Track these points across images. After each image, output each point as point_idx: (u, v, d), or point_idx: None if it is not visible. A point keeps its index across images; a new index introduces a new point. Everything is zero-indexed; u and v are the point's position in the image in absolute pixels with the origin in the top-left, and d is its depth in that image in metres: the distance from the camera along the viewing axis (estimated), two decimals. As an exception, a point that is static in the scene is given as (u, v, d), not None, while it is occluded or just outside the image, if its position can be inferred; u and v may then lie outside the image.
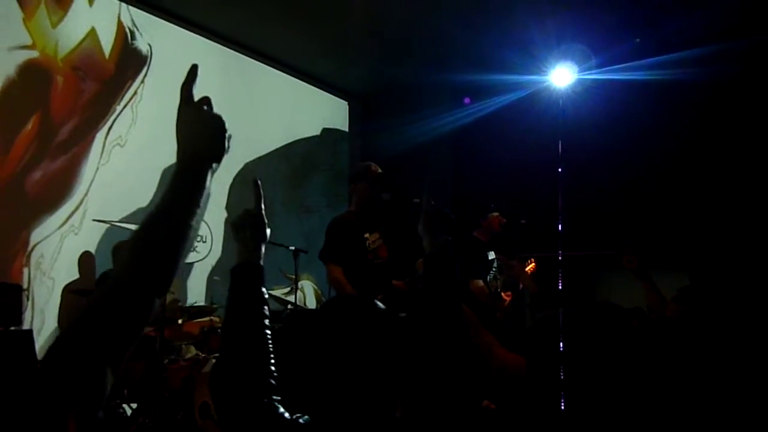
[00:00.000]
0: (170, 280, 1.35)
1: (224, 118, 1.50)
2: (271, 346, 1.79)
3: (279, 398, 1.70)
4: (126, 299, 1.27)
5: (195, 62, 1.52)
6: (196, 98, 1.56)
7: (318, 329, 1.83)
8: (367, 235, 5.02)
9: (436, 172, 9.85)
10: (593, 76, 8.08)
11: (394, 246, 5.16)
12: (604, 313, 3.45)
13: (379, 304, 1.90)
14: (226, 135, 1.49)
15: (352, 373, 1.74)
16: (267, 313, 1.85)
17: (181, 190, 1.41)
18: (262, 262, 1.95)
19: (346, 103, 11.08)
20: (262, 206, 2.04)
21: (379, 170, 5.14)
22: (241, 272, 1.91)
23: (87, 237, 7.02)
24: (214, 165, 1.47)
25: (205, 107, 1.51)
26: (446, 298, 2.05)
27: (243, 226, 1.99)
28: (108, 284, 1.30)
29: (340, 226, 5.07)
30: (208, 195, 1.44)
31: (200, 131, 1.48)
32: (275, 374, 1.74)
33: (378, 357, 1.76)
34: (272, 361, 1.77)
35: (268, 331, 1.80)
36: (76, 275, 6.86)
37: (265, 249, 2.01)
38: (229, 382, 1.74)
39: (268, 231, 2.01)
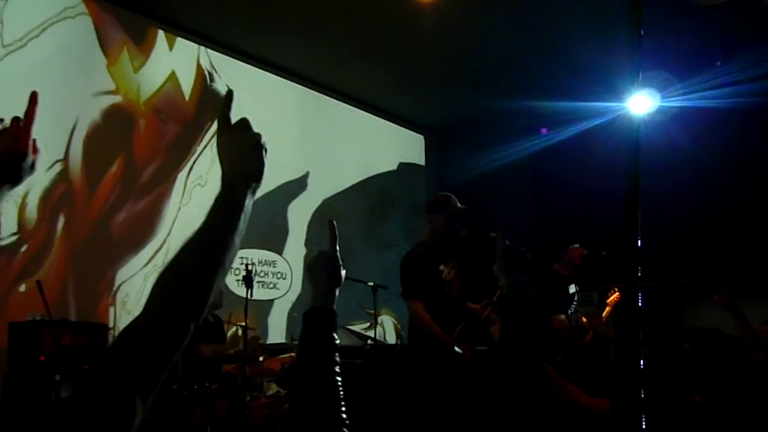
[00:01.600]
0: (205, 302, 1.31)
1: (262, 136, 1.49)
2: (342, 393, 1.74)
3: None
4: (159, 324, 1.24)
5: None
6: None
7: (396, 373, 1.77)
8: (442, 267, 4.94)
9: (514, 204, 9.76)
10: (673, 103, 7.91)
11: (468, 280, 5.07)
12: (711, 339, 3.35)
13: (458, 349, 1.84)
14: (263, 152, 1.48)
15: (427, 416, 1.68)
16: (338, 359, 1.79)
17: (219, 211, 1.39)
18: (335, 306, 1.90)
19: (422, 137, 11.09)
20: (337, 247, 1.99)
21: (459, 204, 5.05)
22: (313, 317, 1.87)
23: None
24: (253, 184, 1.45)
25: (243, 128, 1.50)
26: (525, 339, 1.99)
27: (317, 267, 1.95)
28: (143, 310, 1.25)
29: (415, 261, 4.98)
30: (248, 215, 1.41)
31: (237, 152, 1.47)
32: (347, 422, 1.69)
33: (453, 401, 1.70)
34: (343, 409, 1.71)
35: (339, 378, 1.75)
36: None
37: (345, 285, 1.97)
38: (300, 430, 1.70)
39: (344, 272, 1.96)
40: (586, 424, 3.09)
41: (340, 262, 1.96)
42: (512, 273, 2.10)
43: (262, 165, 1.47)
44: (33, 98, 1.97)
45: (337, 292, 1.92)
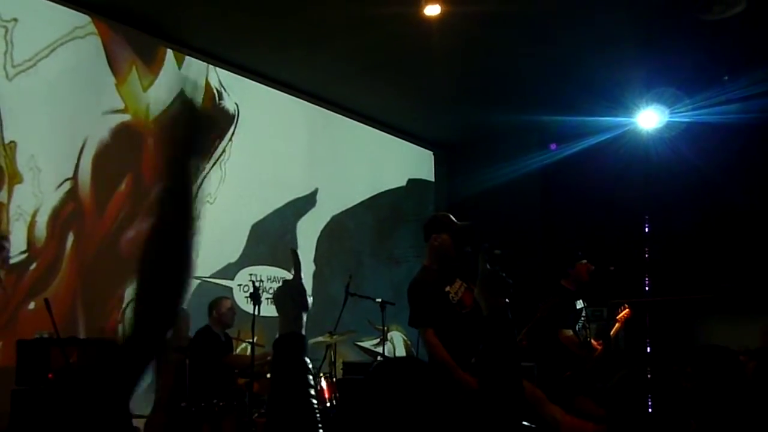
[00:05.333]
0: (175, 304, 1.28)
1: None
2: (318, 415, 1.77)
3: None
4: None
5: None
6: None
7: (367, 393, 1.78)
8: (447, 288, 4.86)
9: (523, 219, 9.74)
10: (681, 118, 7.92)
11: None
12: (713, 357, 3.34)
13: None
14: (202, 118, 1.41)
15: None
16: (311, 382, 1.84)
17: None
18: (303, 331, 1.94)
19: (431, 153, 11.09)
20: (301, 275, 2.03)
21: (456, 221, 5.01)
22: (283, 344, 1.91)
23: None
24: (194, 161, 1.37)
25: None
26: (504, 361, 2.04)
27: (284, 297, 1.99)
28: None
29: (420, 288, 4.90)
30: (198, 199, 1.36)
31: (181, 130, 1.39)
32: None
33: (423, 417, 1.71)
34: (321, 429, 1.74)
35: (314, 401, 1.79)
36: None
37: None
38: None
39: (310, 300, 2.00)
40: None
41: (305, 290, 2.00)
42: (492, 297, 2.15)
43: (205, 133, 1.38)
44: None
45: (304, 318, 1.97)
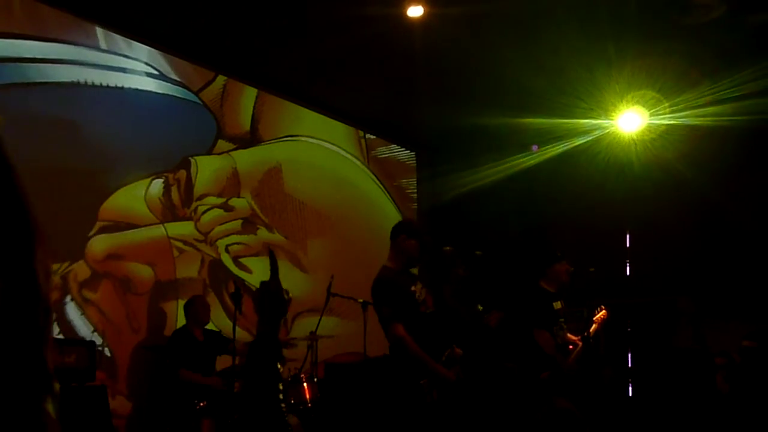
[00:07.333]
0: None
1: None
2: (286, 418, 1.77)
3: None
4: None
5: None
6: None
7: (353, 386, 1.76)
8: (413, 288, 5.00)
9: (504, 220, 9.76)
10: (661, 121, 7.97)
11: (437, 295, 5.15)
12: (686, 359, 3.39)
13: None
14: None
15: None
16: (281, 387, 1.82)
17: None
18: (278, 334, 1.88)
19: (414, 153, 11.06)
20: (278, 277, 1.96)
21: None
22: (257, 349, 1.84)
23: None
24: None
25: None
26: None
27: (261, 299, 1.92)
28: None
29: (387, 285, 5.01)
30: None
31: None
32: None
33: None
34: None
35: (283, 405, 1.79)
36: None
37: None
38: None
39: (289, 301, 1.93)
40: None
41: (282, 292, 1.92)
42: (439, 285, 2.12)
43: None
44: None
45: (281, 321, 1.89)
